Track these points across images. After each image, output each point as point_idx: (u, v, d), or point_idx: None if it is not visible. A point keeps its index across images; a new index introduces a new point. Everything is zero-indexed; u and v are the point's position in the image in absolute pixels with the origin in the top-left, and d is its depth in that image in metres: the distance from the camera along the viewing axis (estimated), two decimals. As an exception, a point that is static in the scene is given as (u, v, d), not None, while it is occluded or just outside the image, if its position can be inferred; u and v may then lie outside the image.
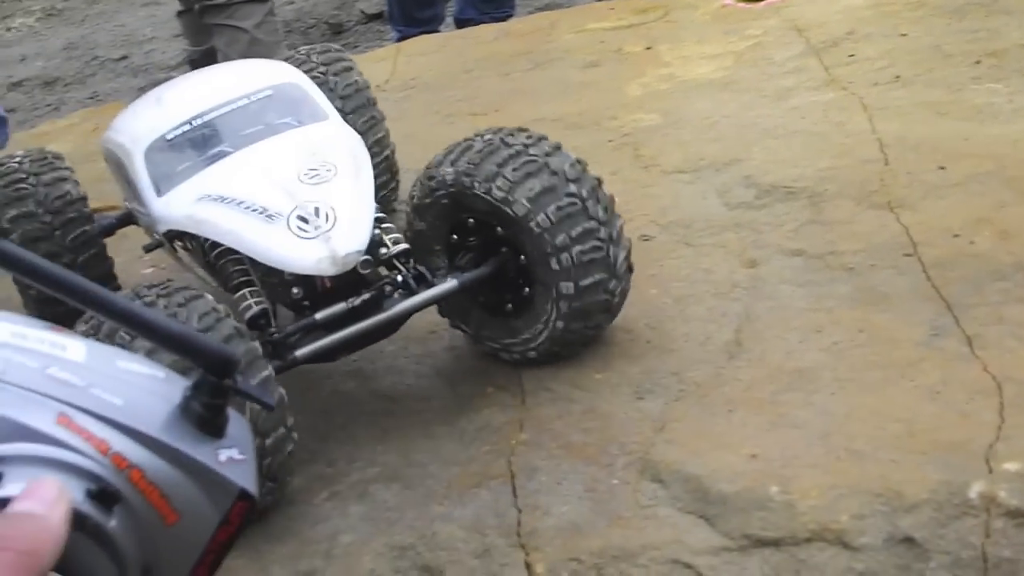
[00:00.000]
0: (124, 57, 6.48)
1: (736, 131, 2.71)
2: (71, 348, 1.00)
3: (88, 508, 0.81)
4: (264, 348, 1.83)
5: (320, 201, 1.90)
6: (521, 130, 2.04)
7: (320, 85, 2.33)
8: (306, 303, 1.94)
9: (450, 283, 2.00)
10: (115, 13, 7.28)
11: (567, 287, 1.96)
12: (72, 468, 0.83)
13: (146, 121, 2.16)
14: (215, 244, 2.03)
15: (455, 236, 2.07)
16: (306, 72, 2.38)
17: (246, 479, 0.93)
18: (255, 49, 4.15)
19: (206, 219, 1.97)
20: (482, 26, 3.97)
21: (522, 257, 1.99)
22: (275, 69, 2.31)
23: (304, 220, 1.88)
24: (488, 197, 1.95)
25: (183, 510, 0.89)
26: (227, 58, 4.28)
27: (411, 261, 2.00)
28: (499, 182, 1.94)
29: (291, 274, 1.91)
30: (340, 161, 1.99)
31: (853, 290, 2.07)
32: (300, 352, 1.91)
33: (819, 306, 2.04)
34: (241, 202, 1.92)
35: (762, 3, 3.45)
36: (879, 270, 2.10)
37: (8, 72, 6.36)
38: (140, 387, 0.95)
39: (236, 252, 1.98)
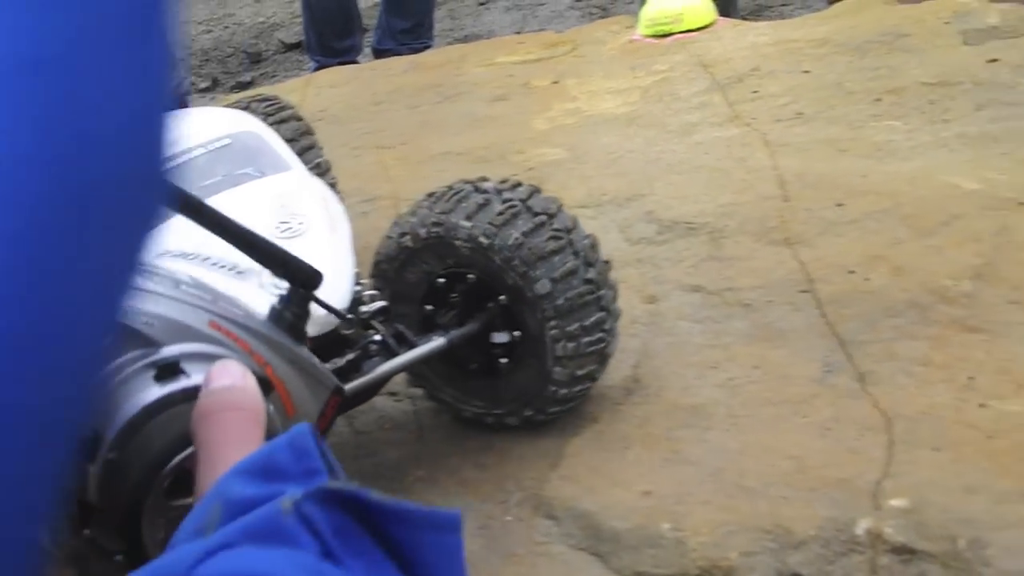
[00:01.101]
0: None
1: (639, 166, 2.72)
2: (179, 273, 1.10)
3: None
4: None
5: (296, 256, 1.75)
6: (483, 179, 1.92)
7: None
8: None
9: (437, 341, 1.86)
10: None
11: (560, 331, 1.84)
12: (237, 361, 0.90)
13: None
14: None
15: (431, 295, 1.93)
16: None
17: (334, 377, 1.01)
18: None
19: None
20: (394, 58, 3.97)
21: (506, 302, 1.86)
22: (231, 117, 2.17)
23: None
24: (478, 246, 1.82)
25: (298, 403, 0.96)
26: None
27: (389, 320, 1.86)
28: (485, 228, 1.81)
29: None
30: (312, 213, 1.85)
31: (750, 326, 2.08)
32: None
33: (716, 342, 2.05)
34: (207, 258, 1.73)
35: (670, 39, 3.47)
36: (775, 306, 2.11)
37: None
38: (243, 302, 1.05)
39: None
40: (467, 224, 1.82)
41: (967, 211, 2.27)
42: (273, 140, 2.09)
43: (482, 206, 1.84)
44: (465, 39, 6.15)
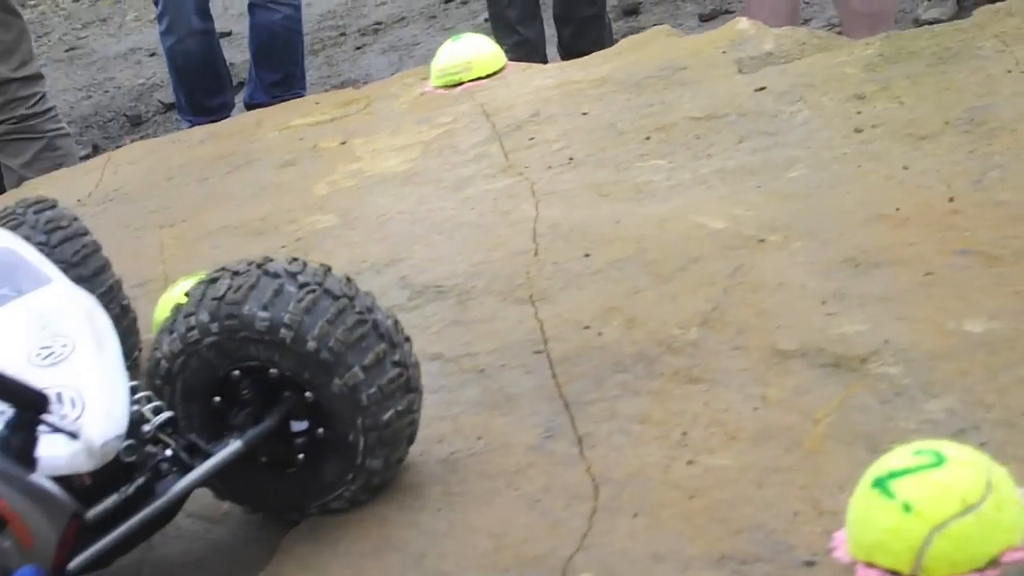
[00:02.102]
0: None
1: (405, 228, 2.69)
2: None
3: None
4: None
5: (61, 385, 1.60)
6: (268, 259, 1.79)
7: (18, 228, 2.13)
8: None
9: (234, 445, 1.72)
10: None
11: (374, 419, 1.75)
12: None
13: None
14: None
15: (217, 397, 1.80)
16: (3, 221, 2.16)
17: (72, 500, 0.94)
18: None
19: None
20: (193, 128, 3.91)
21: (309, 395, 1.76)
22: None
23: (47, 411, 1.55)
24: (278, 339, 1.70)
25: (35, 534, 0.88)
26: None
27: (178, 431, 1.73)
28: (286, 318, 1.70)
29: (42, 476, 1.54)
30: (77, 332, 1.70)
31: (480, 393, 2.03)
32: (73, 564, 1.53)
33: (446, 413, 2.01)
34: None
35: (460, 88, 3.44)
36: (508, 370, 2.07)
37: None
38: None
39: None
40: (264, 315, 1.71)
41: (707, 253, 2.24)
42: (28, 252, 1.93)
43: (278, 292, 1.72)
44: (342, 84, 6.11)
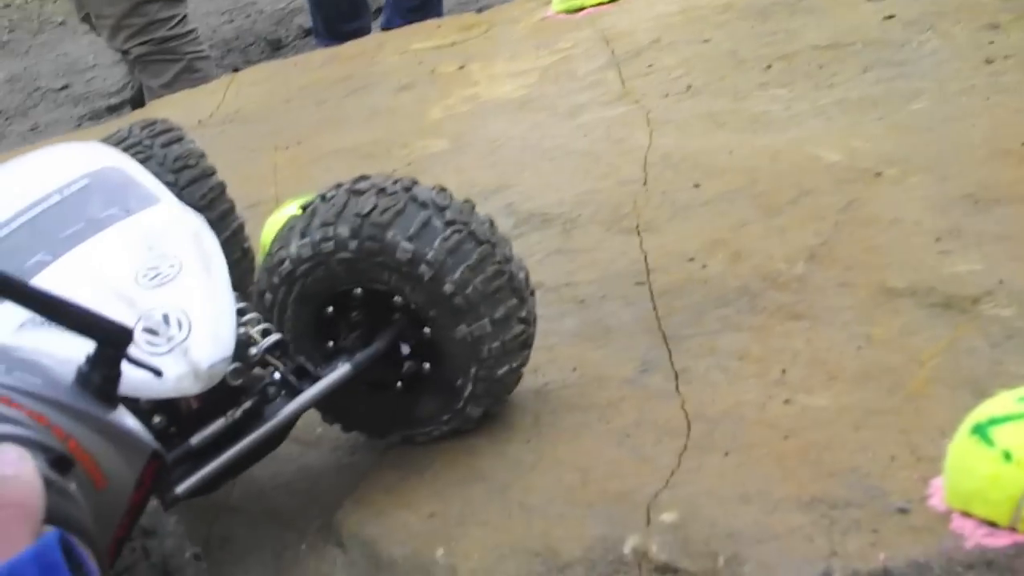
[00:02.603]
0: (66, 87, 6.44)
1: (516, 154, 2.64)
2: None
3: (52, 474, 0.80)
4: None
5: (168, 306, 1.58)
6: (414, 182, 1.75)
7: (146, 162, 2.06)
8: (172, 430, 1.60)
9: (342, 368, 1.70)
10: (59, 42, 7.22)
11: (488, 372, 1.72)
12: (25, 441, 0.83)
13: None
14: None
15: (330, 307, 1.77)
16: (130, 150, 2.11)
17: (152, 440, 0.94)
18: None
19: (32, 349, 1.44)
20: (315, 51, 3.90)
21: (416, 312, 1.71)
22: (88, 153, 1.97)
23: (153, 332, 1.54)
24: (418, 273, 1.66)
25: (109, 474, 0.88)
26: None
27: (286, 353, 1.69)
28: (430, 255, 1.65)
29: (149, 400, 1.56)
30: (184, 252, 1.67)
31: (579, 324, 1.99)
32: (180, 489, 1.58)
33: (542, 343, 1.96)
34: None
35: (581, 13, 3.37)
36: (608, 301, 2.02)
37: None
38: (43, 368, 0.97)
39: None
40: (408, 246, 1.66)
41: (819, 186, 2.17)
42: (136, 171, 1.91)
43: (424, 225, 1.67)
44: (479, 10, 6.07)
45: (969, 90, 2.40)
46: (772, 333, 1.85)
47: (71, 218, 1.77)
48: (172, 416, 1.60)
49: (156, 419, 1.59)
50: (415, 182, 1.73)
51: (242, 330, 1.63)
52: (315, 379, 1.69)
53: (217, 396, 1.59)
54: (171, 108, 3.53)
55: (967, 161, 2.14)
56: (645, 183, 2.35)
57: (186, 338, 1.54)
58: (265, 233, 2.43)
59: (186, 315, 1.57)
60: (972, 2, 2.77)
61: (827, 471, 1.55)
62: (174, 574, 1.46)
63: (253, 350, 1.64)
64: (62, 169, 1.90)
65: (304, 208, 1.74)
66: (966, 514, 1.41)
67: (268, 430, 1.64)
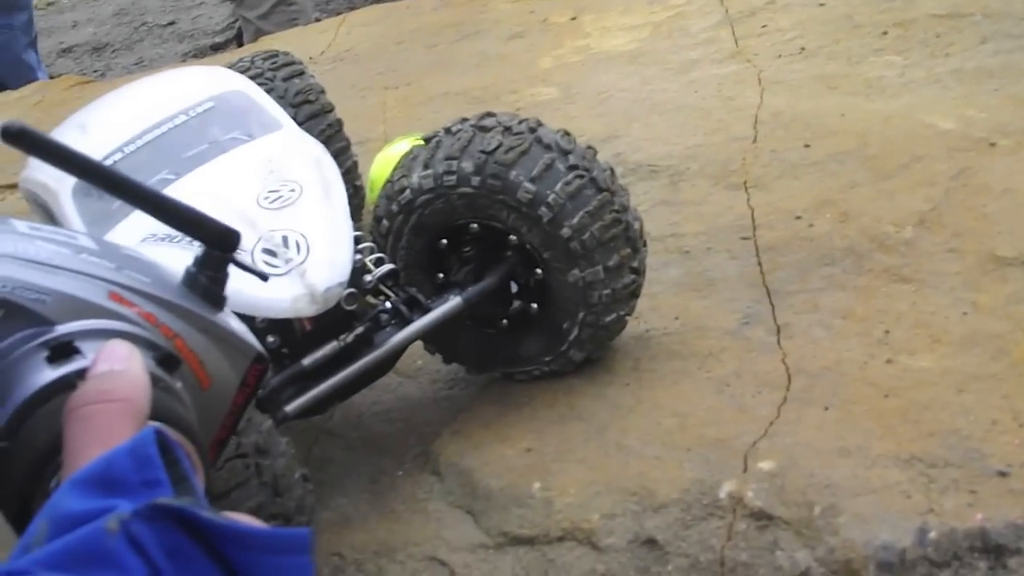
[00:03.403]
0: (172, 23, 6.50)
1: (625, 106, 2.65)
2: (80, 239, 1.06)
3: (159, 371, 0.85)
4: None
5: (287, 228, 1.61)
6: (539, 123, 1.76)
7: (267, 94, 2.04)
8: (284, 350, 1.65)
9: (453, 301, 1.72)
10: (168, -23, 7.29)
11: (596, 318, 1.74)
12: (134, 338, 0.88)
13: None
14: None
15: (445, 240, 1.79)
16: (252, 80, 2.10)
17: (257, 343, 0.98)
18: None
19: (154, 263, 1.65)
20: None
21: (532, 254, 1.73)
22: (214, 77, 2.01)
23: (272, 253, 1.58)
24: (536, 214, 1.68)
25: (214, 375, 0.93)
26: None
27: (399, 283, 1.73)
28: (551, 198, 1.67)
29: (263, 321, 1.60)
30: (304, 177, 1.71)
31: (683, 274, 2.01)
32: (290, 408, 1.62)
33: (646, 291, 1.97)
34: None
35: (696, -30, 3.35)
36: (713, 253, 2.04)
37: (60, 38, 6.40)
38: (152, 267, 1.01)
39: None
40: (530, 187, 1.68)
41: (931, 152, 2.15)
42: (260, 97, 1.95)
43: (548, 167, 1.68)
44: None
45: (1090, 65, 2.38)
46: (876, 294, 1.86)
47: (195, 139, 1.81)
48: (285, 337, 1.64)
49: (270, 339, 1.63)
50: (540, 123, 1.75)
51: (357, 257, 1.65)
52: (426, 310, 1.71)
53: (330, 320, 1.62)
54: (282, 45, 3.56)
55: (1084, 136, 2.12)
56: (755, 140, 2.35)
57: (304, 260, 1.57)
58: (373, 170, 2.46)
59: (305, 238, 1.60)
60: (1098, -22, 2.73)
61: (927, 431, 1.56)
62: (283, 493, 1.50)
63: (368, 277, 1.67)
64: (188, 91, 1.94)
65: (427, 140, 1.76)
66: (1067, 481, 1.41)
67: (377, 357, 1.67)
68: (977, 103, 2.31)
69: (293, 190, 1.67)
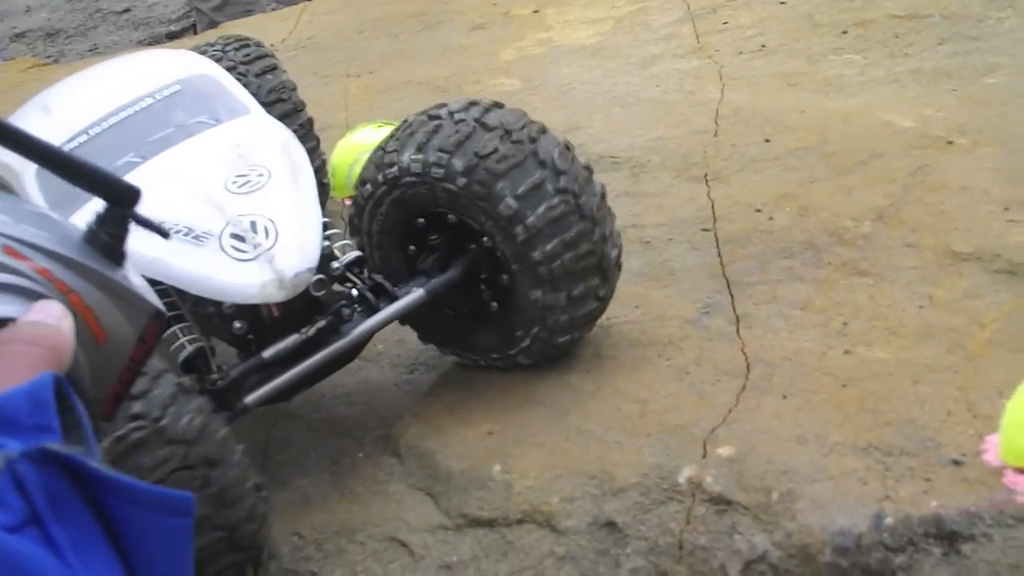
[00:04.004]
0: (127, 10, 6.45)
1: (587, 98, 2.66)
2: None
3: None
4: (207, 398, 1.53)
5: (256, 213, 1.60)
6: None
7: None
8: (250, 337, 1.64)
9: (415, 293, 1.72)
10: (124, -36, 7.24)
11: (554, 298, 1.72)
12: (27, 292, 0.87)
13: (35, 133, 1.81)
14: None
15: (411, 235, 1.79)
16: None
17: (156, 300, 0.99)
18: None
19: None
20: (390, -15, 3.92)
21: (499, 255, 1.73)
22: (180, 60, 1.99)
23: (240, 238, 1.57)
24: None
25: (110, 330, 0.93)
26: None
27: (365, 271, 1.73)
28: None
29: (231, 305, 1.60)
30: (273, 162, 1.69)
31: (643, 264, 2.02)
32: (250, 398, 1.61)
33: (607, 280, 1.99)
34: (162, 223, 1.61)
35: (659, -33, 3.38)
36: (674, 244, 2.05)
37: (13, 23, 6.35)
38: (53, 223, 1.01)
39: (160, 283, 1.59)
40: (513, 204, 1.66)
41: (890, 150, 2.18)
42: (227, 81, 1.94)
43: (536, 187, 1.67)
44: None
45: (1046, 68, 2.41)
46: (835, 287, 1.88)
47: (161, 122, 1.81)
48: (252, 323, 1.64)
49: (237, 324, 1.62)
50: (544, 131, 1.71)
51: (325, 243, 1.65)
52: (392, 298, 1.71)
53: (299, 307, 1.62)
54: (243, 31, 3.55)
55: (1040, 136, 2.15)
56: (716, 134, 2.37)
57: (272, 246, 1.56)
58: (335, 156, 2.46)
59: (273, 224, 1.59)
60: (1054, -17, 2.77)
61: (883, 420, 1.58)
62: (232, 504, 1.49)
63: (335, 264, 1.67)
64: (154, 74, 1.93)
65: (431, 117, 1.74)
66: (1020, 471, 1.44)
67: (343, 346, 1.67)
68: (935, 102, 2.34)
69: (261, 175, 1.66)
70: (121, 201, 1.02)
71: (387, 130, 2.35)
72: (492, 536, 1.61)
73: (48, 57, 5.90)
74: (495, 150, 1.66)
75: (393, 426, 1.81)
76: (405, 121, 1.76)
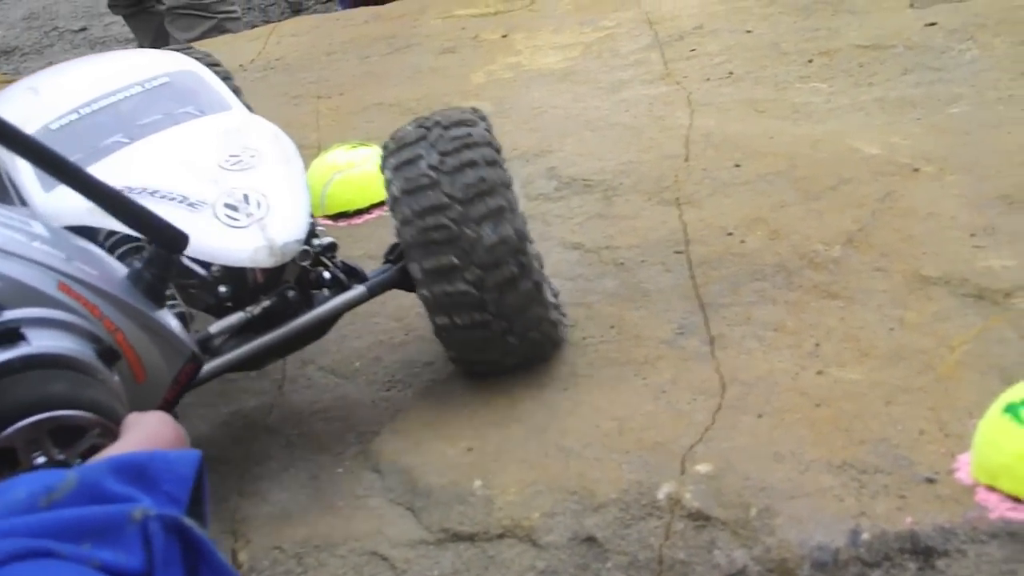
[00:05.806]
0: (83, 29, 6.44)
1: (558, 122, 2.70)
2: (34, 225, 1.06)
3: (98, 363, 0.87)
4: None
5: (249, 188, 1.68)
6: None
7: None
8: (229, 304, 1.70)
9: (387, 274, 1.81)
10: (79, -17, 7.23)
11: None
12: (78, 329, 0.89)
13: (23, 111, 1.81)
14: (120, 241, 1.63)
15: None
16: None
17: (192, 343, 1.01)
18: None
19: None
20: (359, 8, 3.94)
21: None
22: (170, 58, 2.07)
23: (233, 208, 1.65)
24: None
25: (149, 370, 0.94)
26: None
27: (337, 256, 1.81)
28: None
29: (218, 270, 1.66)
30: (263, 145, 1.78)
31: (618, 285, 2.05)
32: (227, 357, 1.66)
33: (582, 300, 2.03)
34: (156, 191, 1.63)
35: (624, -6, 3.42)
36: (647, 266, 2.09)
37: None
38: (99, 259, 1.02)
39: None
40: (492, 236, 1.76)
41: (858, 175, 2.23)
42: (213, 80, 2.02)
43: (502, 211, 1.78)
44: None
45: (1007, 99, 2.47)
46: (807, 309, 1.92)
47: (150, 109, 1.87)
48: (236, 289, 1.70)
49: (221, 289, 1.69)
50: (527, 241, 1.81)
51: (310, 220, 1.74)
52: (363, 279, 1.80)
53: (275, 280, 1.71)
54: (211, 50, 3.57)
55: (1003, 164, 2.20)
56: (686, 159, 2.41)
57: (264, 216, 1.65)
58: (308, 175, 2.47)
59: (265, 197, 1.68)
60: (1014, 16, 2.83)
61: (857, 439, 1.62)
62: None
63: (316, 242, 1.77)
64: (144, 66, 2.00)
65: (428, 128, 1.83)
66: (992, 488, 1.48)
67: (318, 315, 1.76)
68: (900, 130, 2.39)
69: (253, 156, 1.74)
70: (170, 245, 1.04)
71: (360, 151, 2.39)
72: (473, 551, 1.63)
73: (3, 74, 5.88)
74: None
75: (372, 442, 1.83)
76: (407, 139, 1.84)
